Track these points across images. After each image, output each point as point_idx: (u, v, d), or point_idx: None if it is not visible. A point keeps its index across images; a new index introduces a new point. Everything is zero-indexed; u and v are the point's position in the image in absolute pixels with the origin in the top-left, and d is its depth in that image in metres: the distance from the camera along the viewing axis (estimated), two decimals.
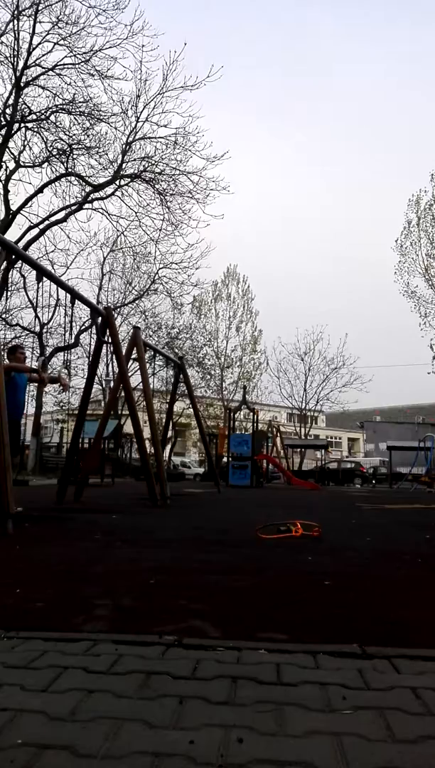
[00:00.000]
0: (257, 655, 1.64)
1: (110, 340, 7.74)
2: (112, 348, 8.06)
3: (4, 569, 2.93)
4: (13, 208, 16.53)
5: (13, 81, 15.05)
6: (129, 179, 17.16)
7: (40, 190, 16.54)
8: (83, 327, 16.00)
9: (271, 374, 35.18)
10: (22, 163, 16.29)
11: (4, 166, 15.98)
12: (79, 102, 15.58)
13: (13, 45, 14.83)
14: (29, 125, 15.79)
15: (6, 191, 16.37)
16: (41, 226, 16.96)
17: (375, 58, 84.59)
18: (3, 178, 16.22)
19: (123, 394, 9.48)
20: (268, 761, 1.07)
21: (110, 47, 15.23)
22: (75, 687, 1.38)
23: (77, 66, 15.35)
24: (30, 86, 15.46)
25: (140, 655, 1.61)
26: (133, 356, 9.04)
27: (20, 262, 5.80)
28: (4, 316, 17.42)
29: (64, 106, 15.60)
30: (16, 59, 14.91)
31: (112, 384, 16.42)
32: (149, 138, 16.86)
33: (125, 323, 21.44)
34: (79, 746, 1.10)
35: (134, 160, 17.09)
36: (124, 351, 8.71)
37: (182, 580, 2.68)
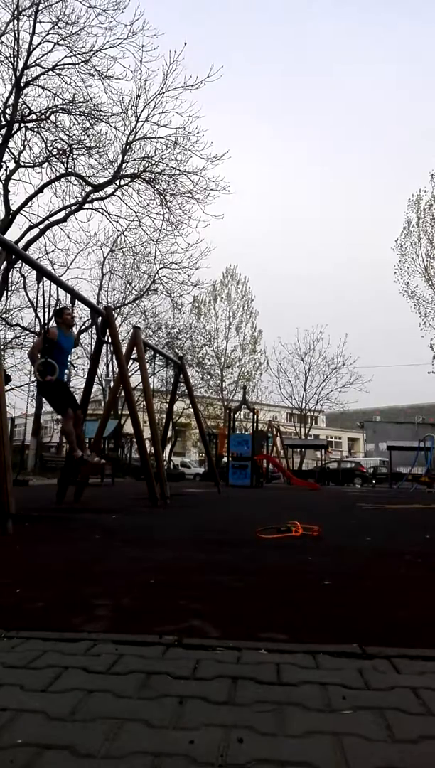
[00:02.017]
0: (257, 655, 1.64)
1: (110, 340, 7.74)
2: (112, 348, 8.06)
3: (4, 569, 2.93)
4: (13, 208, 16.54)
5: (13, 81, 15.05)
6: (129, 179, 17.17)
7: (40, 190, 16.54)
8: (83, 327, 15.99)
9: (271, 374, 35.23)
10: (22, 163, 16.29)
11: (4, 166, 15.99)
12: (79, 102, 15.60)
13: (13, 45, 14.84)
14: (29, 125, 15.80)
15: (6, 191, 16.37)
16: (41, 226, 16.96)
17: (375, 58, 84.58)
18: (3, 178, 16.23)
19: (123, 394, 9.47)
20: (268, 761, 1.07)
21: (110, 47, 15.26)
22: (75, 687, 1.38)
23: (77, 66, 15.37)
24: (30, 86, 15.47)
25: (140, 655, 1.61)
26: (133, 356, 9.03)
27: (20, 262, 5.81)
28: (4, 316, 17.42)
29: (64, 106, 15.61)
30: (16, 59, 14.93)
31: (112, 384, 16.42)
32: (149, 138, 16.88)
33: (125, 323, 21.45)
34: (79, 746, 1.10)
35: (134, 160, 17.11)
36: (124, 351, 8.70)
37: (182, 580, 2.68)
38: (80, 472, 7.98)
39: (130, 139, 16.67)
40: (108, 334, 7.68)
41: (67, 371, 6.94)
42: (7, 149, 15.61)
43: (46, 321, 6.27)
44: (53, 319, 6.62)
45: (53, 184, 16.70)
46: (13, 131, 15.46)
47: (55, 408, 6.77)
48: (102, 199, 17.49)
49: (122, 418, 19.04)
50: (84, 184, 17.06)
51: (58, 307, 6.69)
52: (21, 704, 1.28)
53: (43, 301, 6.09)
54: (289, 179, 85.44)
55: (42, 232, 17.04)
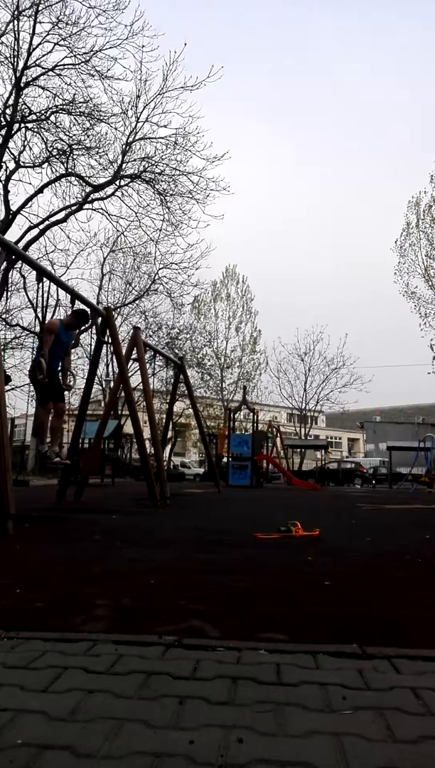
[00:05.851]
0: (257, 655, 1.64)
1: (110, 340, 7.74)
2: (112, 348, 8.06)
3: (4, 569, 2.93)
4: (13, 208, 16.52)
5: (13, 81, 15.04)
6: (129, 179, 17.17)
7: (40, 191, 16.52)
8: (83, 327, 15.97)
9: (271, 374, 35.24)
10: (22, 163, 16.27)
11: (4, 166, 15.97)
12: (79, 102, 15.59)
13: (13, 45, 14.83)
14: (29, 125, 15.78)
15: (6, 191, 16.36)
16: (41, 227, 16.94)
17: (375, 58, 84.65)
18: (3, 178, 16.21)
19: (123, 394, 9.48)
20: (268, 761, 1.07)
21: (110, 47, 15.26)
22: (75, 687, 1.38)
23: (77, 66, 15.36)
24: (30, 86, 15.45)
25: (140, 655, 1.61)
26: (133, 356, 9.04)
27: (20, 262, 5.81)
28: (4, 316, 17.41)
29: (64, 107, 15.60)
30: (16, 59, 14.92)
31: (112, 384, 16.42)
32: (149, 138, 16.88)
33: (125, 323, 21.45)
34: (79, 746, 1.10)
35: (134, 160, 17.10)
36: (124, 351, 8.70)
37: (182, 580, 2.68)
38: (80, 471, 7.99)
39: (130, 139, 16.68)
40: (108, 334, 7.68)
41: (71, 375, 6.95)
42: (7, 149, 15.60)
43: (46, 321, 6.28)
44: (69, 315, 6.73)
45: (53, 184, 16.69)
46: (13, 131, 15.45)
47: (37, 398, 6.81)
48: (102, 199, 17.50)
49: (122, 418, 19.03)
50: (84, 184, 17.06)
51: (82, 311, 6.73)
52: (21, 704, 1.28)
53: (44, 301, 6.09)
54: (290, 179, 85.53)
55: (42, 233, 17.03)
